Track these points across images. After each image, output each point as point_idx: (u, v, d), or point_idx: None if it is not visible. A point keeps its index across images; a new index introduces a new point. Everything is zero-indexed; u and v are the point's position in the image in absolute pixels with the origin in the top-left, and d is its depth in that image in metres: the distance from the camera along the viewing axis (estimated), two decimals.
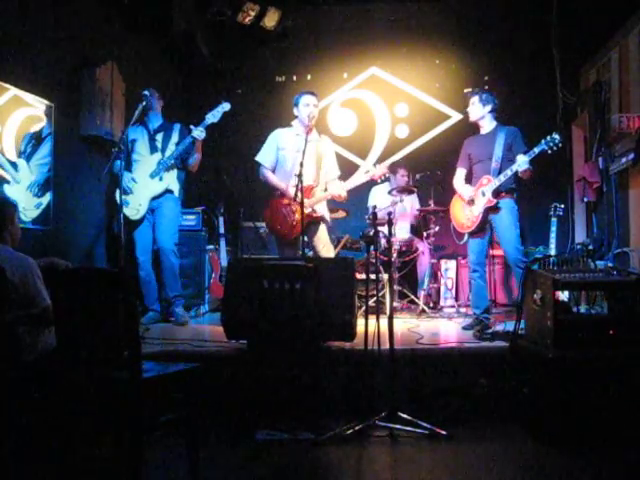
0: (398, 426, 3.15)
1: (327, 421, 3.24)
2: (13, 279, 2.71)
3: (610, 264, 5.04)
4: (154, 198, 4.82)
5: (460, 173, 4.76)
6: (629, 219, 5.57)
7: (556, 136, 4.19)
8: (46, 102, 4.56)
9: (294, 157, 4.50)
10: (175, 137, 4.95)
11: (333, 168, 4.78)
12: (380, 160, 7.11)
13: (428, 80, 7.26)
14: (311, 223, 4.60)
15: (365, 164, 4.90)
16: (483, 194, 4.45)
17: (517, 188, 4.53)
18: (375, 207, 3.81)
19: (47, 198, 4.45)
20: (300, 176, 4.18)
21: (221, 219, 6.16)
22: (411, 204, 6.28)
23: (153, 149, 4.88)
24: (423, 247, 5.95)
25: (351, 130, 7.36)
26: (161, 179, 4.82)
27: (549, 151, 4.21)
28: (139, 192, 4.79)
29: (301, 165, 4.20)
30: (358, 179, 4.68)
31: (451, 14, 6.77)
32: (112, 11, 5.43)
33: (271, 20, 6.33)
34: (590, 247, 5.53)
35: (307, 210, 4.45)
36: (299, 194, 4.21)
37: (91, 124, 4.99)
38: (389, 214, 3.69)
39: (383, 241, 4.96)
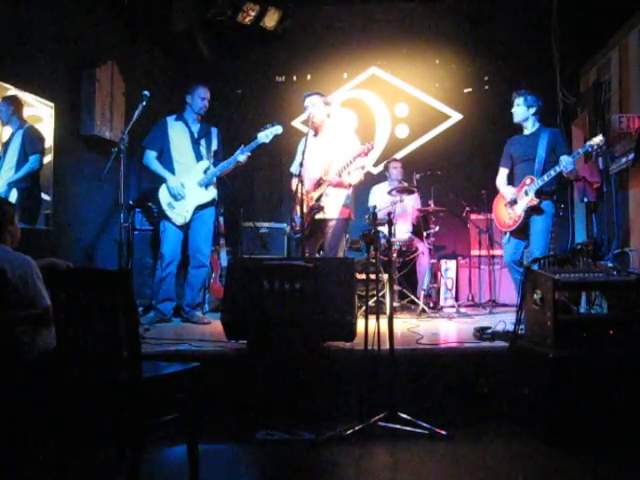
0: (398, 426, 3.15)
1: (327, 421, 3.24)
2: (13, 279, 2.71)
3: (610, 264, 5.05)
4: (199, 206, 4.89)
5: (503, 173, 4.83)
6: (629, 219, 5.57)
7: (600, 138, 4.29)
8: (46, 102, 4.56)
9: (308, 158, 4.50)
10: (214, 144, 5.04)
11: (345, 158, 4.58)
12: (380, 160, 7.12)
13: (428, 80, 7.27)
14: (321, 222, 4.62)
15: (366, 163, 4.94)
16: (526, 193, 4.51)
17: (558, 190, 4.60)
18: (375, 207, 3.81)
19: (12, 200, 4.38)
20: (299, 176, 4.21)
21: (221, 219, 6.16)
22: (411, 204, 6.27)
23: (198, 156, 4.94)
24: (423, 247, 5.94)
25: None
26: (207, 188, 4.90)
27: (593, 152, 4.36)
28: (187, 199, 4.85)
29: (300, 165, 4.23)
30: (346, 159, 4.53)
31: (451, 14, 6.77)
32: (112, 11, 5.44)
33: (271, 20, 6.33)
34: (590, 247, 5.53)
35: (310, 202, 4.51)
36: (299, 194, 4.24)
37: (91, 124, 5.00)
38: (389, 214, 3.69)
39: (383, 241, 4.95)
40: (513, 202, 4.61)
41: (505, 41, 6.76)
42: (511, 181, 4.80)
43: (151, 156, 4.89)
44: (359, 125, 7.37)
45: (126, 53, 5.61)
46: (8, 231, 2.92)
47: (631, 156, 5.27)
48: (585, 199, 6.22)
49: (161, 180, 4.87)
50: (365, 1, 6.94)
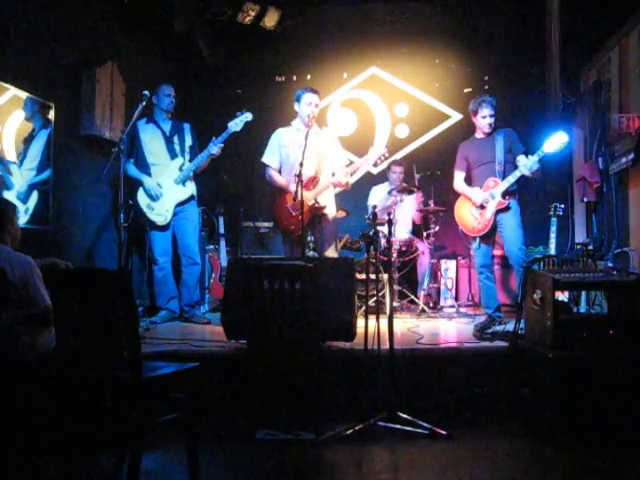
0: (398, 426, 3.15)
1: (327, 421, 3.24)
2: (13, 279, 2.71)
3: (610, 264, 5.04)
4: (179, 204, 4.92)
5: (460, 176, 4.79)
6: (629, 219, 5.56)
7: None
8: (46, 102, 4.56)
9: (296, 153, 4.52)
10: (189, 140, 5.06)
11: (338, 157, 4.78)
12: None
13: (428, 80, 7.26)
14: (316, 219, 4.62)
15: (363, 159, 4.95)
16: (492, 197, 4.51)
17: (519, 189, 4.62)
18: (375, 207, 3.81)
19: (33, 202, 4.42)
20: (299, 176, 4.21)
21: (221, 219, 6.16)
22: (411, 204, 6.27)
23: (172, 154, 4.96)
24: (423, 247, 5.94)
25: (351, 130, 7.36)
26: (184, 185, 4.93)
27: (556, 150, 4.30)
28: (165, 198, 4.88)
29: (300, 165, 4.22)
30: (360, 163, 4.67)
31: (451, 14, 6.76)
32: (112, 11, 5.43)
33: (271, 20, 6.32)
34: (590, 247, 5.53)
35: (310, 202, 4.50)
36: (298, 194, 4.23)
37: (91, 124, 5.00)
38: (389, 214, 3.69)
39: (383, 241, 4.96)
40: (482, 205, 4.56)
41: (505, 41, 6.76)
42: (469, 184, 4.78)
43: (129, 163, 4.89)
44: (359, 125, 7.37)
45: (126, 53, 5.61)
46: (8, 231, 2.92)
47: (631, 156, 5.26)
48: (585, 199, 6.22)
49: (138, 184, 4.90)
50: (365, 1, 6.94)
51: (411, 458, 2.98)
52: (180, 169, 4.91)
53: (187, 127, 5.11)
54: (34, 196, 4.43)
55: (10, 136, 4.27)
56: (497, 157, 4.52)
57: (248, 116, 4.79)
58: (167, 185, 4.89)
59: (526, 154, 4.50)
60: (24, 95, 4.33)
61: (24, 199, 4.32)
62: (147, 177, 4.88)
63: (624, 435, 3.03)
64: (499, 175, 4.50)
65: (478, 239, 4.67)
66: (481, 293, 4.91)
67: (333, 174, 4.65)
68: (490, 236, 4.63)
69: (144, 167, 4.92)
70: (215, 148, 4.81)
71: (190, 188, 4.98)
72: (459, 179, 4.79)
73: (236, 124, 4.78)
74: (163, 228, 4.92)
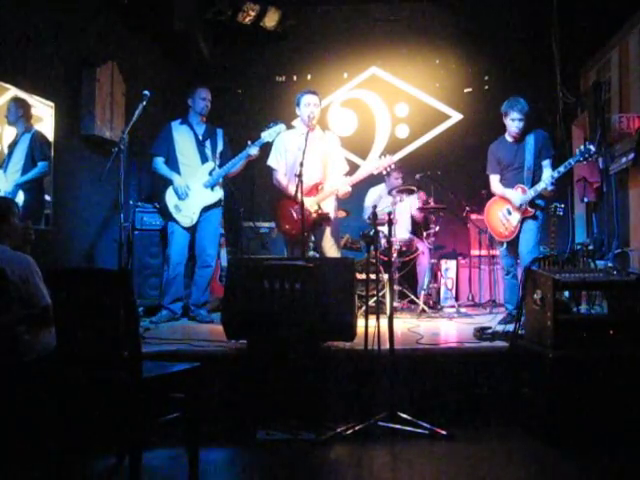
0: (398, 426, 3.15)
1: (327, 421, 3.24)
2: (13, 279, 2.71)
3: (610, 264, 5.04)
4: (206, 208, 4.93)
5: (496, 179, 4.77)
6: (629, 219, 5.56)
7: (591, 147, 4.26)
8: (46, 102, 4.56)
9: (298, 156, 4.51)
10: (220, 145, 5.08)
11: (340, 163, 4.81)
12: None
13: (428, 80, 7.27)
14: (319, 222, 4.64)
15: (365, 164, 4.92)
16: (520, 205, 4.54)
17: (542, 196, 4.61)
18: (376, 207, 3.81)
19: (19, 201, 4.37)
20: (300, 176, 4.22)
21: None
22: (409, 204, 6.26)
23: (204, 158, 4.98)
24: (423, 247, 5.94)
25: (351, 130, 7.36)
26: (213, 189, 4.94)
27: (584, 162, 4.36)
28: (193, 200, 4.89)
29: (301, 165, 4.22)
30: (363, 172, 4.70)
31: (451, 14, 6.77)
32: (112, 11, 5.43)
33: (271, 20, 6.33)
34: (590, 247, 5.52)
35: (313, 208, 4.53)
36: (299, 194, 4.23)
37: (91, 124, 5.00)
38: (389, 214, 3.69)
39: (383, 241, 4.95)
40: (519, 207, 4.54)
41: (505, 41, 6.76)
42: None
43: (159, 162, 4.96)
44: (359, 125, 7.37)
45: (126, 53, 5.61)
46: (6, 232, 2.92)
47: (631, 156, 5.26)
48: (585, 199, 6.22)
49: (168, 183, 4.91)
50: (365, 1, 6.94)
51: (411, 458, 2.98)
52: (210, 173, 4.92)
53: (220, 132, 5.12)
54: (20, 196, 4.43)
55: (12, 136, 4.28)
56: (526, 163, 4.52)
57: (282, 127, 4.79)
58: (196, 188, 4.89)
59: (554, 158, 4.49)
60: (9, 96, 4.30)
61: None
62: (177, 176, 4.89)
63: (624, 435, 3.03)
64: (527, 182, 4.50)
65: (505, 244, 4.72)
66: (504, 289, 5.00)
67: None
68: (514, 244, 4.66)
69: (174, 166, 4.93)
70: (255, 149, 4.79)
71: (218, 193, 4.98)
72: (496, 181, 4.77)
73: (269, 135, 4.77)
74: (186, 231, 4.92)
